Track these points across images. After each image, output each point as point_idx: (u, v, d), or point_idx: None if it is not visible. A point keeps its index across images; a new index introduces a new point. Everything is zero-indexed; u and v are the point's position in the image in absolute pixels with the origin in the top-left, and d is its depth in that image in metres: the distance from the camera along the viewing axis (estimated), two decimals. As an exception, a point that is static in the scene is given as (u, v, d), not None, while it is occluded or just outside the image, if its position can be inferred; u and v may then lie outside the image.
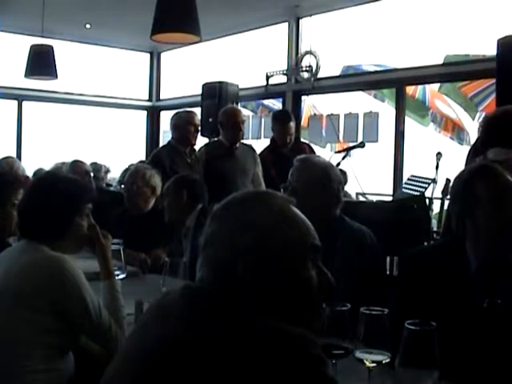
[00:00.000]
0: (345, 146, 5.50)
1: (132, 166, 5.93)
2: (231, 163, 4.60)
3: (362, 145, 4.83)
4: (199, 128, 4.69)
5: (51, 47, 5.92)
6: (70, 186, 2.07)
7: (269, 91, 7.06)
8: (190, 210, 3.27)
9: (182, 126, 4.58)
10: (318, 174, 2.42)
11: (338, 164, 4.02)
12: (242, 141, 4.77)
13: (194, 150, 4.67)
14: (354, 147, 4.67)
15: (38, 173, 5.28)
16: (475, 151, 3.31)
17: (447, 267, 1.85)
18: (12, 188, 2.51)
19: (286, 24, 7.00)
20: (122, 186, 4.06)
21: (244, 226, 1.14)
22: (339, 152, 4.60)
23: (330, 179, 2.43)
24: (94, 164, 6.01)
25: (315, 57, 6.67)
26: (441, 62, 6.12)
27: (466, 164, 3.31)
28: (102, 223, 2.21)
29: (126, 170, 6.42)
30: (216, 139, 4.99)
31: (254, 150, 4.93)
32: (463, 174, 1.92)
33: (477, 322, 1.76)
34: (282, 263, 1.14)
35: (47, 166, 5.72)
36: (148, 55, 9.20)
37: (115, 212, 3.88)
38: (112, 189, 6.22)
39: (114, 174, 7.02)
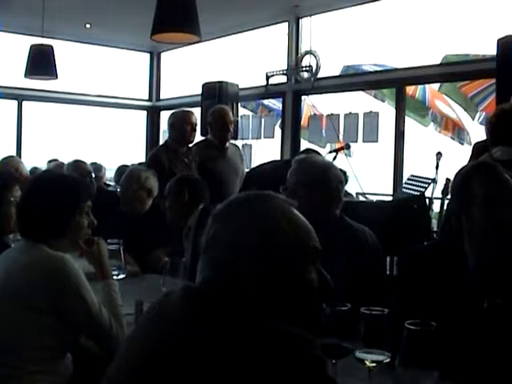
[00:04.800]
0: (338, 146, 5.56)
1: (124, 166, 5.93)
2: (224, 164, 4.60)
3: (347, 146, 4.89)
4: (196, 127, 4.68)
5: (51, 47, 5.91)
6: (68, 184, 2.06)
7: (269, 91, 7.06)
8: (192, 210, 3.26)
9: (179, 125, 4.57)
10: (317, 174, 2.41)
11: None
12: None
13: (190, 149, 4.66)
14: (339, 149, 4.68)
15: (34, 172, 5.27)
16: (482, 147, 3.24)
17: (446, 266, 1.85)
18: (7, 186, 2.50)
19: (286, 24, 6.99)
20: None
21: (246, 227, 1.14)
22: (332, 152, 4.62)
23: (330, 179, 2.42)
24: (94, 164, 5.99)
25: (315, 57, 6.67)
26: (440, 61, 6.12)
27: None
28: (101, 223, 2.20)
29: (118, 170, 6.42)
30: (205, 138, 4.98)
31: (240, 149, 4.97)
32: (462, 171, 1.92)
33: (477, 322, 1.76)
34: (284, 265, 1.14)
35: (45, 166, 5.72)
36: (148, 55, 9.19)
37: (113, 212, 3.88)
38: (110, 188, 6.21)
39: (110, 174, 7.01)
